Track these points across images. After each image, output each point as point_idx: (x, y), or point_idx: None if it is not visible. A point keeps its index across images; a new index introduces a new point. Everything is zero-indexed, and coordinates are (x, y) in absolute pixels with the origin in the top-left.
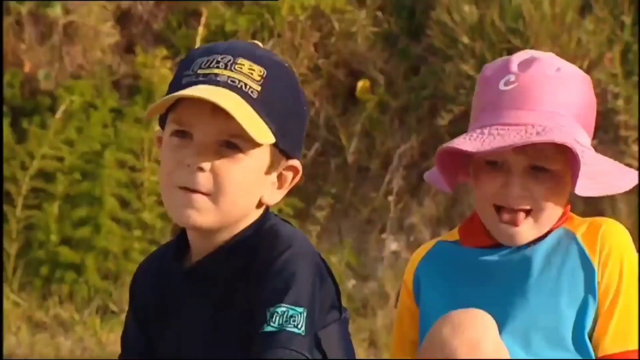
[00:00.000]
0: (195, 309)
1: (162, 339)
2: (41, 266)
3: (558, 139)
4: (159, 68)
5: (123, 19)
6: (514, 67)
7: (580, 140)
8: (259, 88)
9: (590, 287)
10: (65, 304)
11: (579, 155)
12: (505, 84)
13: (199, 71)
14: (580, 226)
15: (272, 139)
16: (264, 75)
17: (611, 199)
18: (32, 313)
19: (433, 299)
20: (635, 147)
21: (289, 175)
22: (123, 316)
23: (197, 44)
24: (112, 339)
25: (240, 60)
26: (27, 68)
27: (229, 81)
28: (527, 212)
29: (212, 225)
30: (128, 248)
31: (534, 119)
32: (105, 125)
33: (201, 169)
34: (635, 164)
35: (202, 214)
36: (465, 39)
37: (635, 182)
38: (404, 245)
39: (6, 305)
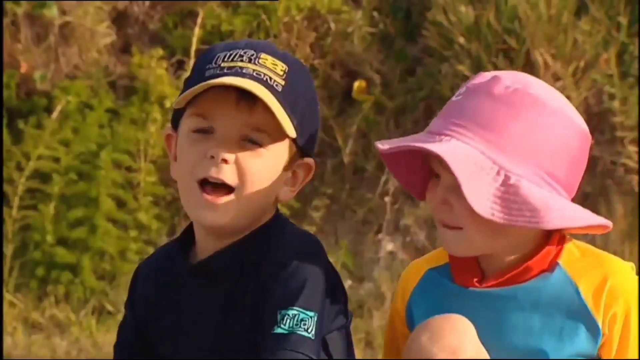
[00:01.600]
0: (200, 306)
1: (163, 337)
2: (37, 267)
3: (435, 148)
4: (155, 68)
5: (119, 19)
6: (472, 81)
7: (510, 166)
8: (283, 82)
9: (591, 344)
10: (61, 304)
11: (455, 168)
12: (456, 96)
13: (223, 64)
14: (585, 275)
15: (295, 134)
16: (287, 71)
17: (607, 200)
18: (28, 314)
19: None
20: (631, 148)
21: (301, 173)
22: (119, 317)
23: (194, 45)
24: (108, 339)
25: (263, 55)
26: (23, 69)
27: (254, 74)
28: (459, 228)
29: (233, 222)
30: (124, 249)
31: (453, 131)
32: (101, 126)
33: (225, 161)
34: (631, 164)
35: (224, 214)
36: (462, 40)
37: (571, 224)
38: (400, 246)
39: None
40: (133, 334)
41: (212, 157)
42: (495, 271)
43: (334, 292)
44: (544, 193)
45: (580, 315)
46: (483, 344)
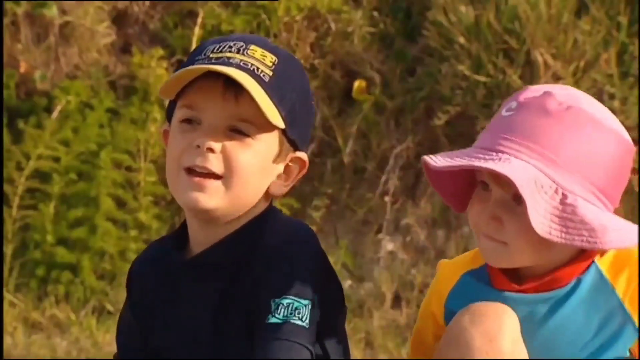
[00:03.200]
0: (197, 300)
1: (160, 332)
2: (37, 267)
3: (500, 168)
4: (155, 68)
5: (119, 19)
6: (521, 96)
7: (566, 184)
8: (270, 73)
9: (627, 343)
10: (62, 304)
11: (522, 190)
12: (507, 111)
13: (211, 55)
14: (620, 273)
15: (283, 125)
16: (276, 62)
17: None
18: (28, 314)
19: None
20: None
21: (295, 167)
22: None
23: (193, 45)
24: (109, 339)
25: (252, 47)
26: (23, 69)
27: (241, 64)
28: (503, 243)
29: (221, 208)
30: (124, 248)
31: (510, 149)
32: (101, 126)
33: (211, 150)
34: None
35: (212, 197)
36: (462, 40)
37: (628, 244)
38: (400, 245)
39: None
40: (133, 334)
41: (198, 146)
42: (534, 276)
43: (327, 280)
44: (597, 211)
45: (618, 315)
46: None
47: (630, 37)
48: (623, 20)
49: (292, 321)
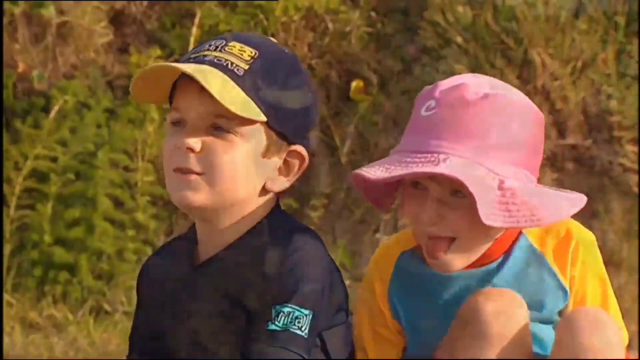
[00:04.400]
0: (207, 305)
1: (169, 334)
2: (34, 267)
3: (447, 171)
4: None
5: (117, 19)
6: (437, 92)
7: (499, 170)
8: (246, 67)
9: (559, 305)
10: (59, 304)
11: (470, 187)
12: (426, 110)
13: (192, 55)
14: (547, 241)
15: (260, 117)
16: (255, 56)
17: (605, 200)
18: (25, 313)
19: (418, 322)
20: (628, 147)
21: (294, 162)
22: (117, 316)
23: (191, 44)
24: (106, 339)
25: (232, 43)
26: (20, 68)
27: (215, 60)
28: (451, 240)
29: (209, 205)
30: (122, 248)
31: (443, 148)
32: (99, 126)
33: (191, 150)
34: (629, 163)
35: (196, 193)
36: (459, 40)
37: (565, 215)
38: None
39: None
40: (142, 335)
41: (179, 147)
42: None
43: (333, 289)
44: (531, 189)
45: (549, 279)
46: None
47: (627, 37)
48: (621, 20)
49: (291, 330)
